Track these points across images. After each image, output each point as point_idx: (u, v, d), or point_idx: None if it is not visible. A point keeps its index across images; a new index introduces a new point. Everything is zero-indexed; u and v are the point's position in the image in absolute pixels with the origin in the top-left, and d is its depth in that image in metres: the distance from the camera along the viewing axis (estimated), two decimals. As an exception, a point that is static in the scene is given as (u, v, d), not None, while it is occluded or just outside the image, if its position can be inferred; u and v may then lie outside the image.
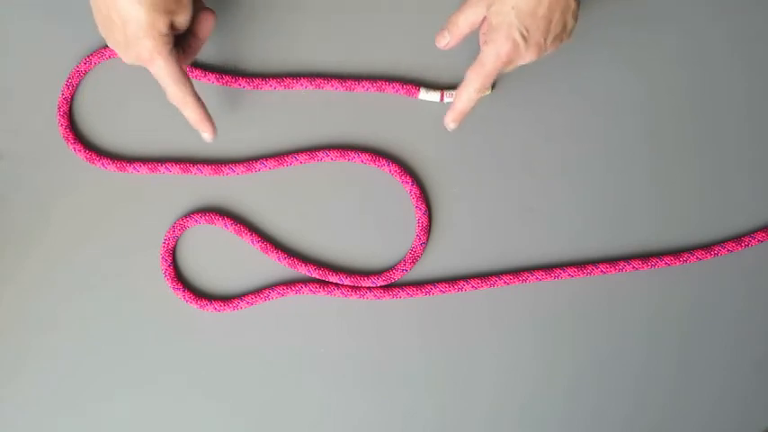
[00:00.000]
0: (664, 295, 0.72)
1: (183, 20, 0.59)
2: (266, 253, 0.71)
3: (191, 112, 0.63)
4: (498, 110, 0.73)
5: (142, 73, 0.73)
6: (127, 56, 0.60)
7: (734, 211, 0.73)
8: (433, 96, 0.72)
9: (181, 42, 0.62)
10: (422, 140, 0.72)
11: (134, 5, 0.56)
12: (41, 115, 0.72)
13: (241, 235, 0.71)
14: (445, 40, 0.66)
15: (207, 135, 0.64)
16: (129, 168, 0.71)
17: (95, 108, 0.72)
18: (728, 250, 0.72)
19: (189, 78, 0.62)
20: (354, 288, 0.72)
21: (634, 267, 0.71)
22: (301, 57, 0.73)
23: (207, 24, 0.62)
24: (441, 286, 0.71)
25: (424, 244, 0.72)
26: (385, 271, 0.72)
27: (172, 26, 0.59)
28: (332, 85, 0.72)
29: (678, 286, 0.72)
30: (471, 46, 0.73)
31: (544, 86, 0.73)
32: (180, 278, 0.72)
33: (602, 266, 0.71)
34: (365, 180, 0.72)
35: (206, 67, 0.72)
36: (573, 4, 0.62)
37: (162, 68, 0.60)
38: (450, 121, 0.67)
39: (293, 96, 0.72)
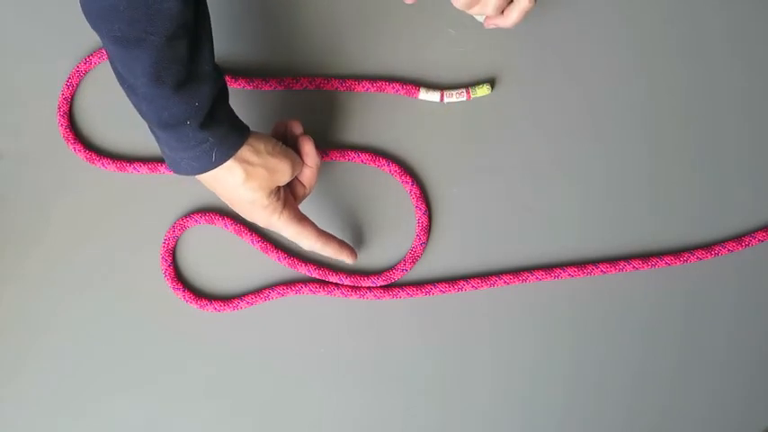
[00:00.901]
0: (664, 295, 0.72)
1: (284, 181, 0.62)
2: (266, 253, 0.71)
3: (324, 252, 0.67)
4: (498, 110, 0.73)
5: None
6: (254, 222, 0.64)
7: (734, 211, 0.73)
8: (433, 96, 0.72)
9: (293, 187, 0.66)
10: (422, 140, 0.72)
11: (237, 190, 0.61)
12: (41, 115, 0.72)
13: (241, 235, 0.71)
14: None
15: (348, 261, 0.68)
16: (129, 168, 0.71)
17: (95, 108, 0.73)
18: (729, 250, 0.72)
19: (308, 222, 0.65)
20: (354, 288, 0.72)
21: (634, 267, 0.71)
22: (301, 57, 0.73)
23: (308, 175, 0.65)
24: (441, 286, 0.71)
25: (424, 244, 0.72)
26: (385, 271, 0.72)
27: (277, 189, 0.62)
28: (332, 85, 0.72)
29: (678, 286, 0.72)
30: (470, 46, 0.73)
31: (544, 86, 0.73)
32: (180, 278, 0.72)
33: (602, 266, 0.71)
34: (365, 180, 0.72)
35: (206, 67, 0.72)
36: None
37: (280, 229, 0.64)
38: (492, 23, 0.66)
39: (293, 96, 0.72)
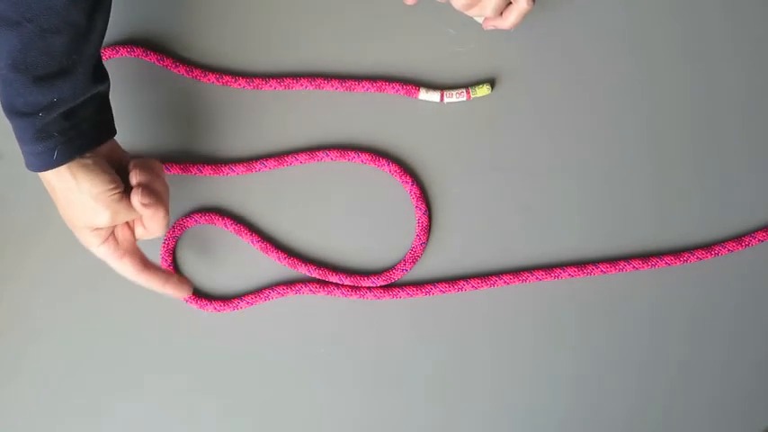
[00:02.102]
0: (664, 295, 0.72)
1: (101, 225, 0.59)
2: (266, 253, 0.71)
3: (151, 288, 0.63)
4: (498, 110, 0.73)
5: (140, 75, 0.73)
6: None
7: (734, 211, 0.73)
8: (433, 96, 0.72)
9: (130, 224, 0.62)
10: (422, 140, 0.72)
11: (58, 206, 0.60)
12: (41, 115, 0.72)
13: (241, 235, 0.71)
14: None
15: (178, 295, 0.64)
16: (129, 168, 0.71)
17: (95, 108, 0.72)
18: (729, 250, 0.72)
19: (131, 257, 0.61)
20: (354, 288, 0.72)
21: (634, 267, 0.71)
22: (301, 57, 0.73)
23: (146, 223, 0.61)
24: (441, 286, 0.71)
25: (424, 244, 0.72)
26: (385, 271, 0.72)
27: (97, 227, 0.60)
28: (332, 85, 0.72)
29: (678, 286, 0.72)
30: (470, 46, 0.73)
31: (544, 86, 0.73)
32: (180, 278, 0.72)
33: (602, 266, 0.71)
34: (365, 180, 0.72)
35: (206, 68, 0.72)
36: None
37: (99, 255, 0.62)
38: (490, 24, 0.67)
39: (293, 96, 0.72)
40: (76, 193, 0.58)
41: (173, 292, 0.64)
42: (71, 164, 0.57)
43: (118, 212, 0.59)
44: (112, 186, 0.59)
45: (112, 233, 0.61)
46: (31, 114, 0.55)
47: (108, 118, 0.61)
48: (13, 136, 0.72)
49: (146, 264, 0.63)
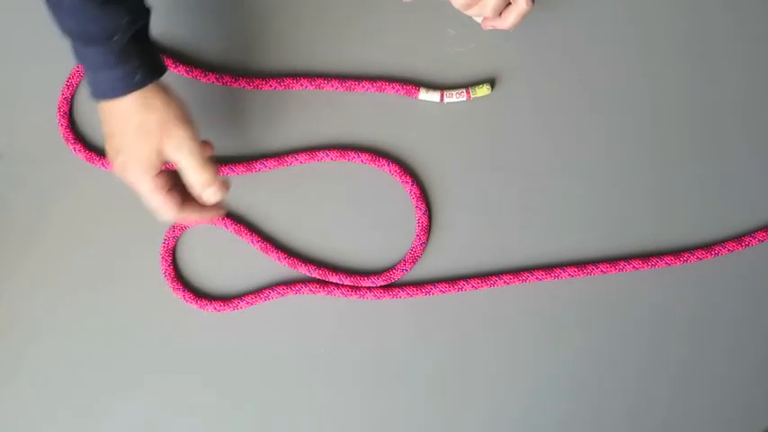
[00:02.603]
0: (664, 295, 0.72)
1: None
2: (266, 253, 0.71)
3: (189, 222, 0.64)
4: (498, 110, 0.73)
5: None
6: (124, 173, 0.60)
7: (734, 211, 0.73)
8: (433, 96, 0.72)
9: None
10: (422, 140, 0.72)
11: (125, 147, 0.58)
12: (41, 115, 0.72)
13: (241, 235, 0.71)
14: None
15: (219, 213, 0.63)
16: (129, 168, 0.71)
17: (95, 108, 0.72)
18: (729, 250, 0.72)
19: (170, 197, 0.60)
20: (354, 288, 0.72)
21: (634, 267, 0.71)
22: (301, 57, 0.73)
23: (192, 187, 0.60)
24: (441, 286, 0.71)
25: (424, 244, 0.72)
26: (385, 271, 0.72)
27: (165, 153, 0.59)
28: (332, 85, 0.72)
29: (678, 286, 0.72)
30: (470, 46, 0.73)
31: (544, 86, 0.73)
32: (180, 278, 0.72)
33: (602, 266, 0.71)
34: (365, 180, 0.72)
35: (206, 68, 0.72)
36: None
37: (142, 193, 0.60)
38: (489, 24, 0.67)
39: (293, 96, 0.72)
40: (157, 112, 0.58)
41: (215, 213, 0.63)
42: (154, 84, 0.58)
43: (192, 139, 0.58)
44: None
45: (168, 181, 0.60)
46: (107, 39, 0.56)
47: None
48: (13, 136, 0.72)
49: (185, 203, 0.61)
